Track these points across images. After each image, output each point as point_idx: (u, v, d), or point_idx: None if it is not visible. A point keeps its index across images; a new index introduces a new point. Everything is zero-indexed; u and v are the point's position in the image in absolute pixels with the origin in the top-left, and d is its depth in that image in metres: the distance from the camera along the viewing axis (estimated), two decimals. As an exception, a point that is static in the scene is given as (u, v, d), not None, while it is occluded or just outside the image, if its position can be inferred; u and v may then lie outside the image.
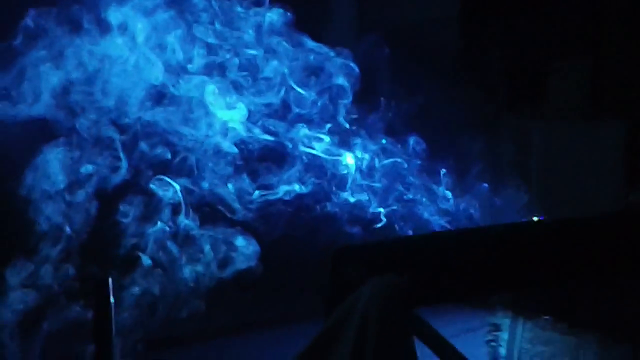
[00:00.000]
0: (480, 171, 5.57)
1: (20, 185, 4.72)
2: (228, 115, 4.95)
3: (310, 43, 5.06)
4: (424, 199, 5.15)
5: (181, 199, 4.85)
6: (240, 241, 4.90)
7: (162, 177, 4.86)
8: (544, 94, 6.26)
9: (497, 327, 5.36)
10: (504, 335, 5.26)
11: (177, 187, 4.85)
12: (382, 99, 5.27)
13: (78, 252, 4.74)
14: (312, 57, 5.05)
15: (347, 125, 5.09)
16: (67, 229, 4.74)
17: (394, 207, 5.10)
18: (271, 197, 4.97)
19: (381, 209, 5.09)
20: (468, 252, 4.15)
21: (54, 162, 4.78)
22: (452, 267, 4.10)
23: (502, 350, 5.09)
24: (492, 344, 5.20)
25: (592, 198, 6.02)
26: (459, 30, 6.57)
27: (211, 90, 4.91)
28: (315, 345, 3.87)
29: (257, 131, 5.00)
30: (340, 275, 3.98)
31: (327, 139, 5.05)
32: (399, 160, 5.18)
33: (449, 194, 5.19)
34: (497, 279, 4.24)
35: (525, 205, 5.50)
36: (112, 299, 3.71)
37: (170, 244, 4.84)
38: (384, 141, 5.15)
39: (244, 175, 4.98)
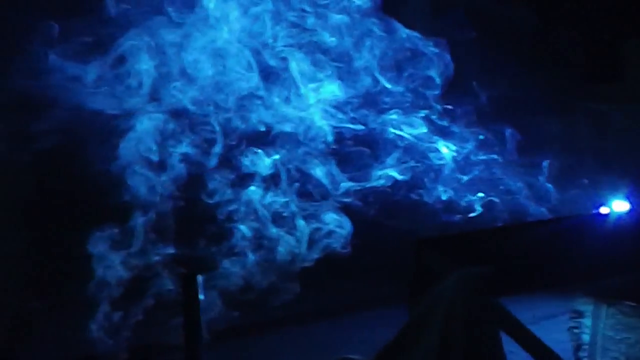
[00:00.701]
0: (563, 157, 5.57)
1: (115, 160, 4.81)
2: (319, 97, 4.97)
3: (403, 30, 5.05)
4: (521, 190, 5.16)
5: (275, 173, 4.90)
6: (333, 222, 4.92)
7: (256, 150, 4.90)
8: (621, 77, 6.21)
9: (579, 314, 5.34)
10: (587, 322, 5.24)
11: (272, 160, 4.89)
12: (473, 86, 5.27)
13: (173, 227, 4.82)
14: (404, 44, 5.04)
15: (441, 115, 5.10)
16: (163, 202, 4.82)
17: (490, 198, 5.10)
18: (364, 183, 5.00)
19: (476, 198, 5.09)
20: (549, 241, 4.17)
21: (150, 138, 4.86)
22: (534, 256, 4.11)
23: (585, 337, 5.07)
24: (575, 330, 5.18)
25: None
26: (534, 13, 6.53)
27: (303, 72, 4.94)
28: (404, 333, 3.92)
29: (349, 117, 5.02)
30: (423, 265, 4.02)
31: (422, 128, 5.05)
32: (494, 150, 5.18)
33: (549, 186, 5.18)
34: (580, 268, 4.24)
35: (604, 190, 5.48)
36: (201, 296, 3.75)
37: (263, 220, 4.88)
38: (481, 137, 5.15)
39: (338, 159, 5.01)
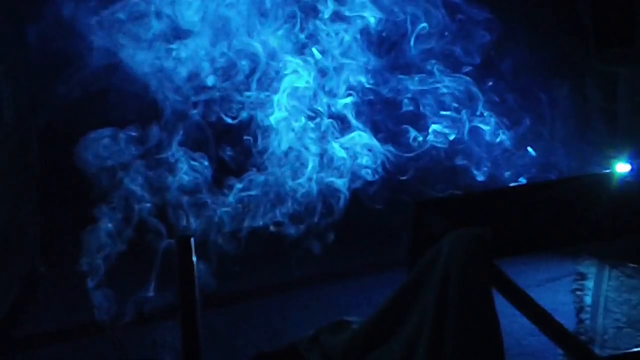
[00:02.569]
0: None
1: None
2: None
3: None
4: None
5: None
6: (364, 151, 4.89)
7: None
8: (630, 38, 6.15)
9: (582, 276, 5.36)
10: (590, 284, 5.26)
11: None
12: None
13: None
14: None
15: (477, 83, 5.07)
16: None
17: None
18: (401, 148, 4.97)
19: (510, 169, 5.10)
20: (550, 203, 4.15)
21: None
22: (533, 218, 4.10)
23: (588, 299, 5.09)
24: (578, 292, 5.20)
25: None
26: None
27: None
28: (400, 294, 3.93)
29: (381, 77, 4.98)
30: (423, 227, 4.02)
31: (460, 91, 5.01)
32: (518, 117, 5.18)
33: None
34: (579, 229, 4.22)
35: (610, 152, 5.46)
36: (194, 258, 3.77)
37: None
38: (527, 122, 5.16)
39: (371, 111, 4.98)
